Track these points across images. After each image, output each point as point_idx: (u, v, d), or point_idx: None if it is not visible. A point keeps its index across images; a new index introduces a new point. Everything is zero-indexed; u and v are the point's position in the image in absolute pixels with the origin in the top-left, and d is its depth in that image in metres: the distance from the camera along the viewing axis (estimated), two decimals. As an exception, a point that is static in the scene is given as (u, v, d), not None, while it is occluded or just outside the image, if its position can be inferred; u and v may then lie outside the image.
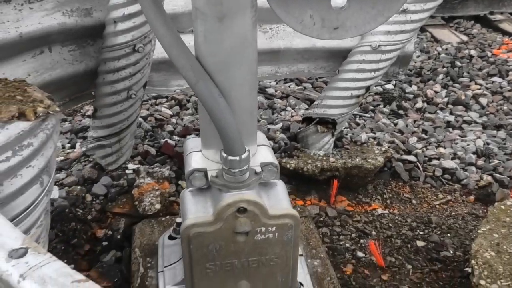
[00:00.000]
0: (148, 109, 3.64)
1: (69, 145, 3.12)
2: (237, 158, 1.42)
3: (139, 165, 2.74)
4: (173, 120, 3.51)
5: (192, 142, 1.74)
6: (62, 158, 2.89)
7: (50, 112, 1.05)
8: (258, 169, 1.53)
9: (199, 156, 1.64)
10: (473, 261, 2.04)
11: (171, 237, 2.02)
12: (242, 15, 1.30)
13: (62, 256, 2.05)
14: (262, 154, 1.63)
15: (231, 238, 1.48)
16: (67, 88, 2.40)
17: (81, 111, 3.72)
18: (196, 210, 1.52)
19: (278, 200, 1.55)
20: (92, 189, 2.51)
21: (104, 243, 2.25)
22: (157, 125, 3.38)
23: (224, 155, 1.43)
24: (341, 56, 2.85)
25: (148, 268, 1.99)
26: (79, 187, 2.53)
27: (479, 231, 2.22)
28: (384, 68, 2.76)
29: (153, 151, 3.00)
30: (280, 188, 1.60)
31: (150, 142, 3.12)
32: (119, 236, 2.28)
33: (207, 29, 1.32)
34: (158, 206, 2.37)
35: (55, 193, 1.25)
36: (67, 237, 2.15)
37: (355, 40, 2.75)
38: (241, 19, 1.31)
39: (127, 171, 2.67)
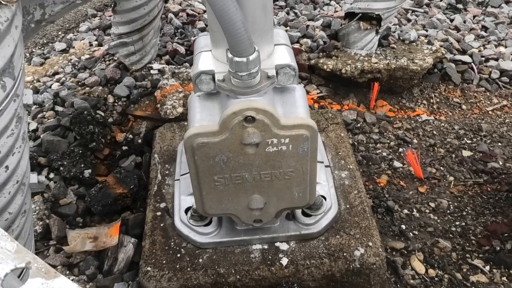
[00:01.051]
0: (180, 4, 3.40)
1: (96, 42, 2.98)
2: (244, 59, 1.22)
3: (165, 65, 2.58)
4: (206, 15, 3.27)
5: (204, 40, 1.55)
6: (87, 56, 2.76)
7: (3, 2, 0.88)
8: (272, 72, 1.33)
9: (208, 57, 1.45)
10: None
11: (189, 143, 1.90)
12: None
13: (79, 161, 1.98)
14: (279, 55, 1.42)
15: (239, 150, 1.32)
16: (83, -20, 2.23)
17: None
18: (201, 118, 1.37)
19: (294, 108, 1.36)
20: (114, 90, 2.39)
21: (124, 148, 2.15)
22: (188, 21, 3.16)
23: (230, 55, 1.24)
24: None
25: (166, 176, 1.89)
26: (100, 87, 2.41)
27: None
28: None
29: (182, 49, 2.82)
30: (299, 94, 1.41)
31: (180, 40, 2.93)
32: (140, 141, 2.18)
33: None
34: (180, 109, 2.22)
35: (29, 97, 1.10)
36: (86, 140, 2.05)
37: None
38: None
39: (152, 71, 2.52)
